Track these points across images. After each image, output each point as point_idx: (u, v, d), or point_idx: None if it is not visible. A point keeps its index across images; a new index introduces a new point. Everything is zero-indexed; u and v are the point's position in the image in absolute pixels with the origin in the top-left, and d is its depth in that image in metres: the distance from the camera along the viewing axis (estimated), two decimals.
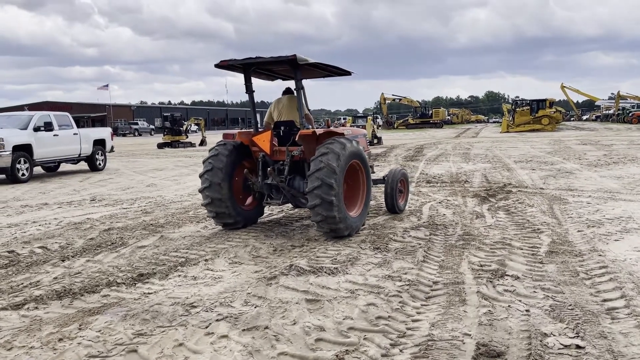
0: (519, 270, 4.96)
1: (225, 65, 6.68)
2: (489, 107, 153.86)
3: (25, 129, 14.74)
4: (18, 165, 14.04)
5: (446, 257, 5.47)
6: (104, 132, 18.59)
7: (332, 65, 6.98)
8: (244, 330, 3.72)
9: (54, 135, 15.47)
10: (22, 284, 4.98)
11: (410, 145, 26.93)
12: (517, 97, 49.20)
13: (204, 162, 6.83)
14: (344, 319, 3.87)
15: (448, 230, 6.77)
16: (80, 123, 20.01)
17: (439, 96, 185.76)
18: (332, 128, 6.97)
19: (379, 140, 29.09)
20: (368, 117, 30.59)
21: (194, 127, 45.21)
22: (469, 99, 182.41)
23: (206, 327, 3.78)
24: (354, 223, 6.46)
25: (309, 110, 7.44)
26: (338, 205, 6.02)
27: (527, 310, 3.95)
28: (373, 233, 6.63)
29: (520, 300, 4.17)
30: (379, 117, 65.37)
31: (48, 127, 15.30)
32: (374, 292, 4.42)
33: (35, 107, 62.56)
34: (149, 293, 4.60)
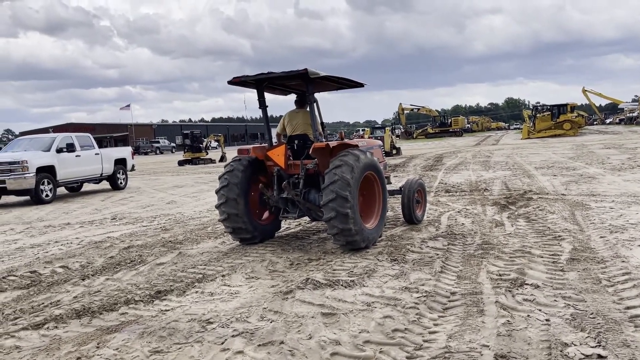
0: (539, 278, 4.86)
1: (238, 81, 6.74)
2: (509, 113, 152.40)
3: (48, 150, 15.07)
4: (42, 187, 14.33)
5: (464, 267, 5.39)
6: (125, 152, 18.90)
7: (343, 77, 6.98)
8: (259, 345, 3.71)
9: (76, 156, 15.78)
10: (42, 303, 5.05)
11: (429, 154, 26.77)
12: (538, 102, 48.66)
13: (219, 178, 6.87)
14: (359, 333, 3.83)
15: (467, 239, 6.69)
16: (103, 143, 20.43)
17: (458, 104, 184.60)
18: (346, 140, 6.95)
19: (398, 150, 29.00)
20: (386, 128, 30.56)
21: (214, 144, 45.71)
22: (489, 106, 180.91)
23: (222, 343, 3.78)
24: (371, 235, 6.42)
25: (322, 123, 7.44)
26: (354, 218, 5.99)
27: (547, 320, 3.86)
28: (390, 244, 6.58)
29: (540, 310, 4.08)
30: (401, 127, 65.13)
31: (70, 148, 15.62)
32: (391, 305, 4.38)
33: (60, 129, 64.07)
34: (166, 310, 4.63)
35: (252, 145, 7.32)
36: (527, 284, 4.70)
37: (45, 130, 54.34)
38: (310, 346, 3.65)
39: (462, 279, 5.01)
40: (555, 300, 4.26)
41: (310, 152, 6.58)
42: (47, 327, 4.35)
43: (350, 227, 5.98)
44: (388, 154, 27.69)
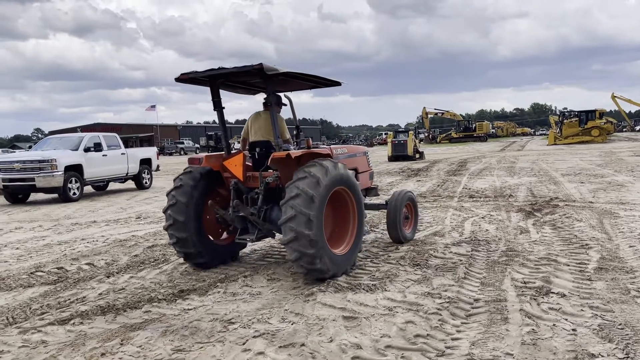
0: (565, 287, 4.76)
1: (187, 78, 5.76)
2: (535, 119, 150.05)
3: (76, 150, 15.37)
4: (69, 185, 14.62)
5: (488, 274, 5.32)
6: (150, 152, 19.16)
7: (311, 74, 5.98)
8: (280, 347, 3.72)
9: (103, 155, 16.06)
10: (69, 299, 5.15)
11: (453, 159, 26.52)
12: (565, 108, 47.75)
13: (167, 194, 5.95)
14: (381, 337, 3.81)
15: (491, 246, 6.60)
16: (129, 143, 20.70)
17: (482, 109, 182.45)
18: (315, 149, 5.88)
19: (421, 155, 28.82)
20: (409, 132, 30.33)
21: (237, 145, 46.04)
22: (514, 111, 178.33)
23: (243, 344, 3.80)
24: (341, 263, 5.41)
25: (298, 127, 6.44)
26: (317, 241, 4.99)
27: (573, 330, 3.78)
28: (413, 249, 6.53)
29: (566, 319, 4.00)
30: (429, 132, 64.63)
31: (97, 147, 15.90)
32: (413, 310, 4.34)
33: (88, 128, 65.29)
34: (188, 309, 4.67)
35: (204, 154, 6.32)
36: (553, 293, 4.61)
37: (73, 130, 55.49)
38: (331, 349, 3.64)
39: (486, 285, 4.94)
40: (582, 310, 4.17)
41: (268, 163, 5.59)
42: (73, 323, 4.43)
43: (312, 252, 4.96)
44: (411, 158, 27.56)
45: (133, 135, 25.79)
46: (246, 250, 7.00)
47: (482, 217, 8.73)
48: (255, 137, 6.23)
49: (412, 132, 30.56)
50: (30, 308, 4.91)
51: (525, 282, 4.95)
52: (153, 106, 78.61)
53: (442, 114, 63.89)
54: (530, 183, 13.65)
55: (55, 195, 14.89)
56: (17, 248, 8.00)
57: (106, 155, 16.17)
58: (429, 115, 62.31)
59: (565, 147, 35.19)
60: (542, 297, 4.51)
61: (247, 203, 5.89)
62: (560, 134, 41.95)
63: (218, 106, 6.13)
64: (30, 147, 32.69)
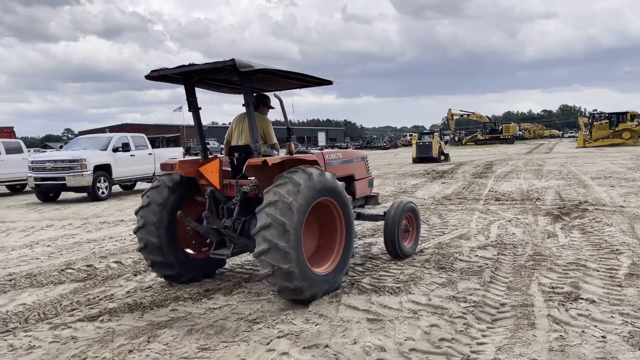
0: (594, 293, 4.67)
1: (157, 76, 5.21)
2: (563, 121, 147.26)
3: (105, 149, 15.70)
4: (98, 184, 14.93)
5: (515, 278, 5.25)
6: (176, 152, 19.45)
7: (295, 72, 5.45)
8: (304, 347, 3.73)
9: (131, 155, 16.35)
10: (97, 296, 5.26)
11: (479, 161, 26.21)
12: (595, 110, 46.81)
13: (142, 195, 5.52)
14: (405, 340, 3.79)
15: (517, 249, 6.50)
16: (155, 143, 21.06)
17: (509, 111, 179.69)
18: (299, 154, 5.32)
19: (446, 156, 28.54)
20: (434, 134, 30.08)
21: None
22: (542, 113, 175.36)
23: (267, 344, 3.82)
24: (323, 283, 4.81)
25: (290, 129, 6.06)
26: (293, 256, 4.41)
27: (603, 337, 3.71)
28: (438, 252, 6.48)
29: (595, 326, 3.92)
30: (455, 133, 64.02)
31: (126, 147, 16.21)
32: (438, 313, 4.31)
33: (116, 129, 66.52)
34: (214, 308, 4.72)
35: (178, 159, 5.76)
36: (581, 299, 4.52)
37: (102, 130, 56.59)
38: (355, 351, 3.64)
39: (512, 290, 4.88)
40: (612, 317, 4.08)
41: (243, 171, 5.06)
42: (102, 320, 4.53)
43: (287, 267, 4.38)
44: (436, 160, 27.33)
45: (160, 135, 26.14)
46: None
47: (509, 221, 8.61)
48: (238, 140, 5.76)
49: (437, 133, 30.29)
50: (60, 304, 5.03)
51: (553, 287, 4.87)
52: (179, 107, 79.32)
53: (468, 115, 63.16)
54: (559, 186, 13.41)
55: (85, 194, 15.21)
56: (48, 245, 8.20)
57: (134, 155, 16.46)
58: (455, 117, 61.64)
59: (595, 150, 34.43)
60: (571, 303, 4.43)
61: (223, 214, 5.30)
62: (590, 137, 41.05)
63: (193, 107, 5.54)
64: (61, 147, 33.48)
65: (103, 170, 15.21)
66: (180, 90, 5.84)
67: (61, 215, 11.99)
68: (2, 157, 17.81)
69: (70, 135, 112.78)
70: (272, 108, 6.00)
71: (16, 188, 19.33)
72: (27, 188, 17.81)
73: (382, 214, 6.39)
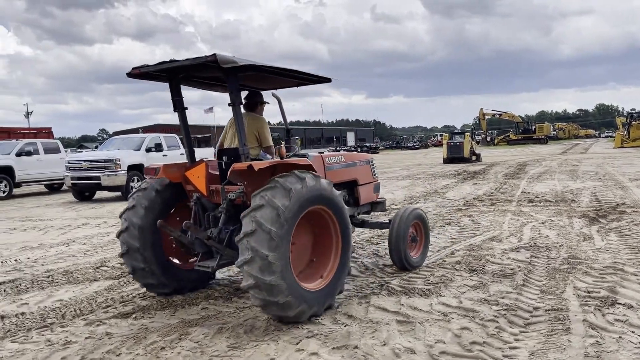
0: (632, 298, 4.53)
1: (139, 73, 4.82)
2: (600, 120, 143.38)
3: (139, 150, 16.04)
4: (132, 184, 15.24)
5: (548, 282, 5.13)
6: (208, 152, 19.69)
7: (285, 68, 4.91)
8: (333, 348, 3.73)
9: (164, 155, 16.64)
10: (131, 294, 5.37)
11: (511, 162, 25.74)
12: (633, 109, 45.26)
13: (128, 198, 5.20)
14: (435, 343, 3.76)
15: (551, 252, 6.36)
16: None
17: (543, 110, 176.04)
18: (292, 159, 5.05)
19: (478, 157, 28.15)
20: (466, 134, 29.70)
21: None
22: (577, 112, 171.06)
23: (297, 344, 3.84)
24: (313, 301, 4.32)
25: (289, 130, 5.81)
26: (279, 267, 3.97)
27: None
28: (469, 254, 6.40)
29: (633, 332, 3.80)
30: (486, 133, 63.06)
31: (158, 148, 16.53)
32: (469, 316, 4.25)
33: (149, 129, 67.83)
34: (244, 307, 4.77)
35: (161, 164, 5.34)
36: (619, 304, 4.39)
37: (135, 131, 57.80)
38: (385, 353, 3.62)
39: (546, 293, 4.77)
40: None
41: (228, 176, 4.56)
42: (135, 317, 4.62)
43: (270, 279, 3.94)
44: (467, 161, 26.97)
45: (192, 136, 26.40)
46: None
47: (542, 223, 8.43)
48: (231, 143, 5.35)
49: (468, 133, 29.90)
50: (95, 301, 5.16)
51: (589, 292, 4.74)
52: (211, 108, 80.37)
53: (500, 115, 62.12)
54: (595, 187, 13.05)
55: (119, 193, 15.56)
56: (84, 243, 8.42)
57: (166, 155, 16.75)
58: (487, 117, 60.69)
59: (633, 150, 33.38)
60: (608, 308, 4.31)
61: (209, 222, 4.89)
62: (628, 136, 39.82)
63: (179, 106, 5.19)
64: (96, 147, 34.33)
65: (136, 170, 15.53)
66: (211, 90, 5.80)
67: (96, 214, 12.29)
68: (41, 157, 18.38)
69: (104, 136, 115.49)
70: (267, 103, 5.64)
71: (54, 187, 19.93)
72: (64, 187, 18.36)
73: (388, 221, 6.01)
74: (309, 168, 4.61)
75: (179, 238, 4.82)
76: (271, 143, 5.38)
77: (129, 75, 4.91)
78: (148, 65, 4.71)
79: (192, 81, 5.38)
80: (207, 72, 4.95)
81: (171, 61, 4.56)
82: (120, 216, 5.02)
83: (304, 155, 5.44)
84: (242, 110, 5.14)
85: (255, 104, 5.52)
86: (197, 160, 5.20)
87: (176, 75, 5.01)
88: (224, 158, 4.98)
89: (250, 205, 4.11)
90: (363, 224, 6.26)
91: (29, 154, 17.91)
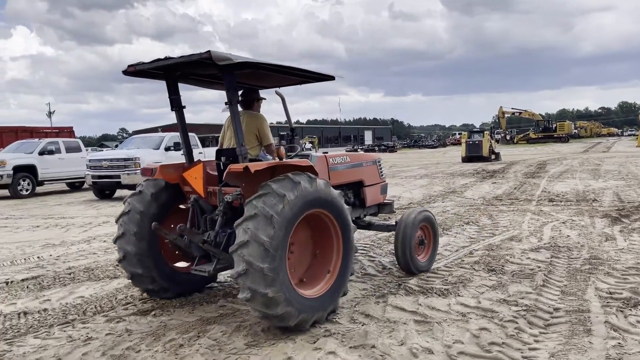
0: None
1: (134, 71, 4.66)
2: (622, 118, 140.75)
3: (158, 149, 16.18)
4: None
5: (569, 282, 5.06)
6: None
7: (283, 65, 4.72)
8: (351, 347, 3.73)
9: (182, 154, 16.76)
10: None
11: (531, 161, 25.43)
12: None
13: (124, 202, 5.09)
14: (453, 343, 3.73)
15: (572, 252, 6.27)
16: (205, 142, 21.47)
17: (564, 108, 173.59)
18: (291, 159, 4.94)
19: (497, 156, 27.85)
20: (485, 132, 29.38)
21: (308, 145, 46.73)
22: (599, 110, 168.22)
23: (314, 343, 3.84)
24: (315, 308, 4.17)
25: (293, 129, 5.61)
26: (275, 279, 3.83)
27: None
28: (488, 254, 6.34)
29: None
30: (506, 132, 62.35)
31: (177, 147, 16.61)
32: (487, 317, 4.21)
33: (168, 128, 68.52)
34: None
35: (159, 164, 5.26)
36: None
37: (154, 130, 58.44)
38: (402, 353, 3.61)
39: (567, 294, 4.70)
40: None
41: (224, 178, 4.38)
42: (154, 314, 4.67)
43: (267, 291, 3.80)
44: (486, 159, 26.69)
45: (209, 135, 26.66)
46: None
47: (563, 222, 8.31)
48: (230, 143, 5.19)
49: (487, 132, 29.59)
50: (115, 298, 5.23)
51: (611, 293, 4.66)
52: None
53: (520, 113, 61.38)
54: (617, 187, 12.83)
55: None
56: (105, 241, 8.53)
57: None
58: (506, 115, 60.00)
59: None
60: (630, 310, 4.23)
61: (207, 225, 4.77)
62: None
63: (176, 105, 5.02)
64: (116, 146, 34.79)
65: None
66: None
67: (116, 212, 12.39)
68: (63, 156, 18.68)
69: (124, 135, 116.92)
70: (264, 99, 5.45)
71: (75, 185, 20.23)
72: (85, 185, 18.62)
73: (394, 223, 5.86)
74: (309, 169, 4.40)
75: (175, 241, 4.73)
76: (272, 141, 5.22)
77: (125, 72, 4.76)
78: (143, 63, 4.57)
79: (190, 79, 5.27)
80: (204, 69, 4.79)
81: (166, 58, 4.40)
82: (117, 221, 4.94)
83: (307, 156, 5.31)
84: (240, 109, 4.98)
85: (252, 101, 5.31)
86: (195, 160, 5.13)
87: (173, 73, 4.88)
88: (222, 159, 4.83)
89: (243, 214, 3.95)
90: (369, 227, 6.08)
91: (51, 152, 18.21)
